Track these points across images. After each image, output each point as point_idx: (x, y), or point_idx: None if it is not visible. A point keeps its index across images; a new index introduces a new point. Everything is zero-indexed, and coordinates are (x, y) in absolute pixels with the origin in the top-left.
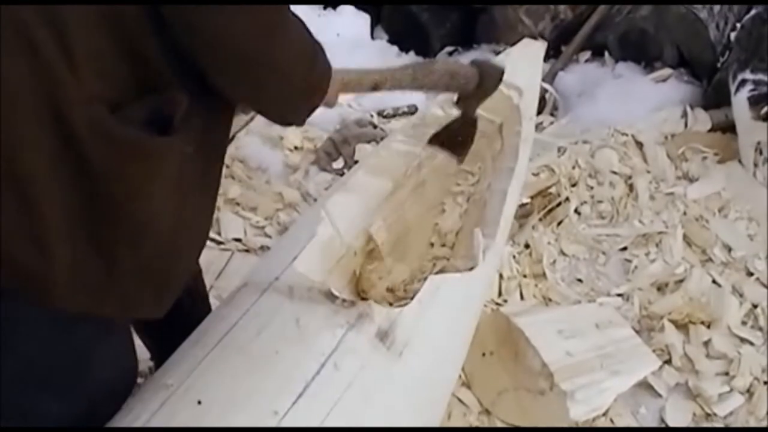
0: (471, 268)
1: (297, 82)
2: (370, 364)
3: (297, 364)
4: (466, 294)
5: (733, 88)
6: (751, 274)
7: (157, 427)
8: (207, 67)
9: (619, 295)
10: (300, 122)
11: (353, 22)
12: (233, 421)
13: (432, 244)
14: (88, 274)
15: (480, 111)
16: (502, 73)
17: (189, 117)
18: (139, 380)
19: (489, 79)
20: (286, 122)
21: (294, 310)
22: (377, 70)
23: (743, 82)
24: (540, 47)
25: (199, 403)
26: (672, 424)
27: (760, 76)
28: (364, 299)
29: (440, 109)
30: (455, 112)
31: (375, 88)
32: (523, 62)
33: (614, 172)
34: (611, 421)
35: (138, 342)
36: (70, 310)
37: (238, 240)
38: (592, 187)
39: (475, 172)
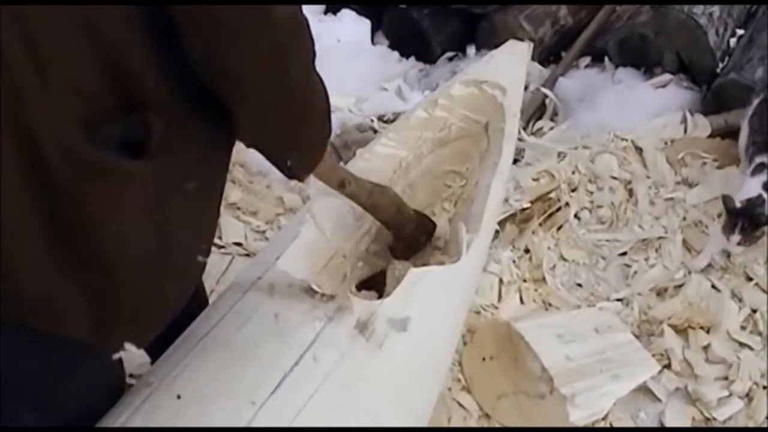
0: (454, 261)
1: (313, 118)
2: (349, 356)
3: (275, 357)
4: (448, 286)
5: (749, 170)
6: (750, 279)
7: (136, 427)
8: (222, 90)
9: (619, 299)
10: (298, 171)
11: (354, 27)
12: (211, 412)
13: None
14: (55, 295)
15: (465, 112)
16: (434, 228)
17: (173, 142)
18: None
19: (423, 229)
20: (285, 164)
21: (274, 307)
22: (347, 170)
23: (761, 166)
24: (525, 47)
25: (179, 397)
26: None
27: None
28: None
29: (425, 111)
30: (439, 113)
31: (341, 185)
32: (507, 62)
33: (614, 178)
34: (611, 425)
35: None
36: (38, 329)
37: (238, 244)
38: (591, 192)
39: (463, 172)
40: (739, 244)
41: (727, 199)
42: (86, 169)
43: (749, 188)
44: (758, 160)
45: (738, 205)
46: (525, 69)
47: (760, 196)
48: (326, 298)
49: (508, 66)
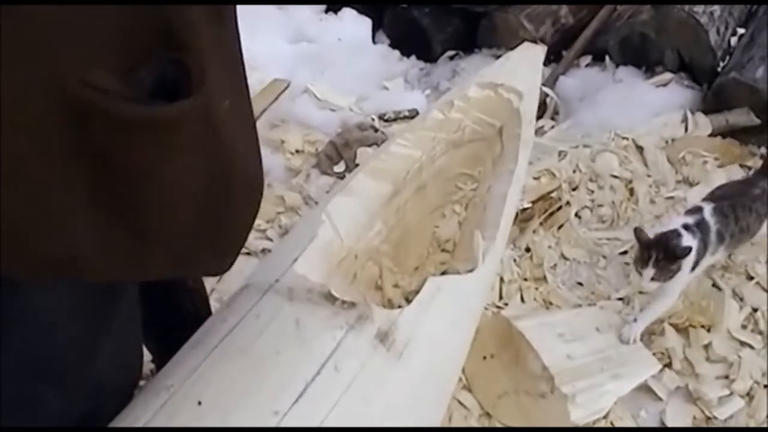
0: (471, 270)
1: None
2: (370, 365)
3: (297, 365)
4: (466, 295)
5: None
6: (751, 278)
7: (157, 427)
8: None
9: (620, 298)
10: None
11: (354, 26)
12: (234, 421)
13: (431, 252)
14: (122, 249)
15: (480, 115)
16: None
17: (209, 74)
18: (141, 383)
19: None
20: None
21: (294, 312)
22: None
23: (698, 209)
24: (540, 51)
25: (200, 403)
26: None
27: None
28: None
29: (440, 112)
30: (454, 115)
31: None
32: (523, 66)
33: (615, 176)
34: (611, 424)
35: None
36: (109, 281)
37: None
38: (592, 191)
39: (475, 175)
40: (653, 279)
41: (638, 231)
42: (126, 123)
43: (667, 224)
44: (700, 204)
45: (649, 234)
46: (540, 73)
47: (676, 230)
48: (347, 306)
49: (524, 70)
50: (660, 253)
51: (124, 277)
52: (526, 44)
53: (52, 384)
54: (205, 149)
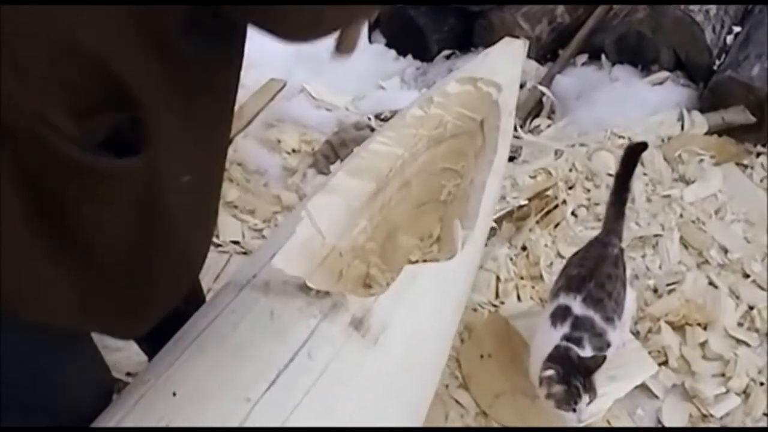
0: (449, 258)
1: None
2: (344, 352)
3: (270, 354)
4: (444, 282)
5: (548, 316)
6: (747, 276)
7: (129, 427)
8: None
9: None
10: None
11: None
12: (206, 410)
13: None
14: (42, 284)
15: (460, 109)
16: None
17: (165, 138)
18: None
19: None
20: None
21: (269, 304)
22: None
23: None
24: (520, 44)
25: (174, 394)
26: (669, 425)
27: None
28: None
29: (420, 109)
30: (435, 111)
31: None
32: (502, 60)
33: (611, 175)
34: (608, 422)
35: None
36: (38, 322)
37: (236, 242)
38: (588, 190)
39: (458, 170)
40: (589, 403)
41: (543, 378)
42: (63, 168)
43: (547, 341)
44: (563, 301)
45: (549, 372)
46: (520, 66)
47: (558, 346)
48: (321, 295)
49: (504, 63)
50: (580, 376)
51: (55, 322)
52: (506, 39)
53: (10, 410)
54: (142, 211)
